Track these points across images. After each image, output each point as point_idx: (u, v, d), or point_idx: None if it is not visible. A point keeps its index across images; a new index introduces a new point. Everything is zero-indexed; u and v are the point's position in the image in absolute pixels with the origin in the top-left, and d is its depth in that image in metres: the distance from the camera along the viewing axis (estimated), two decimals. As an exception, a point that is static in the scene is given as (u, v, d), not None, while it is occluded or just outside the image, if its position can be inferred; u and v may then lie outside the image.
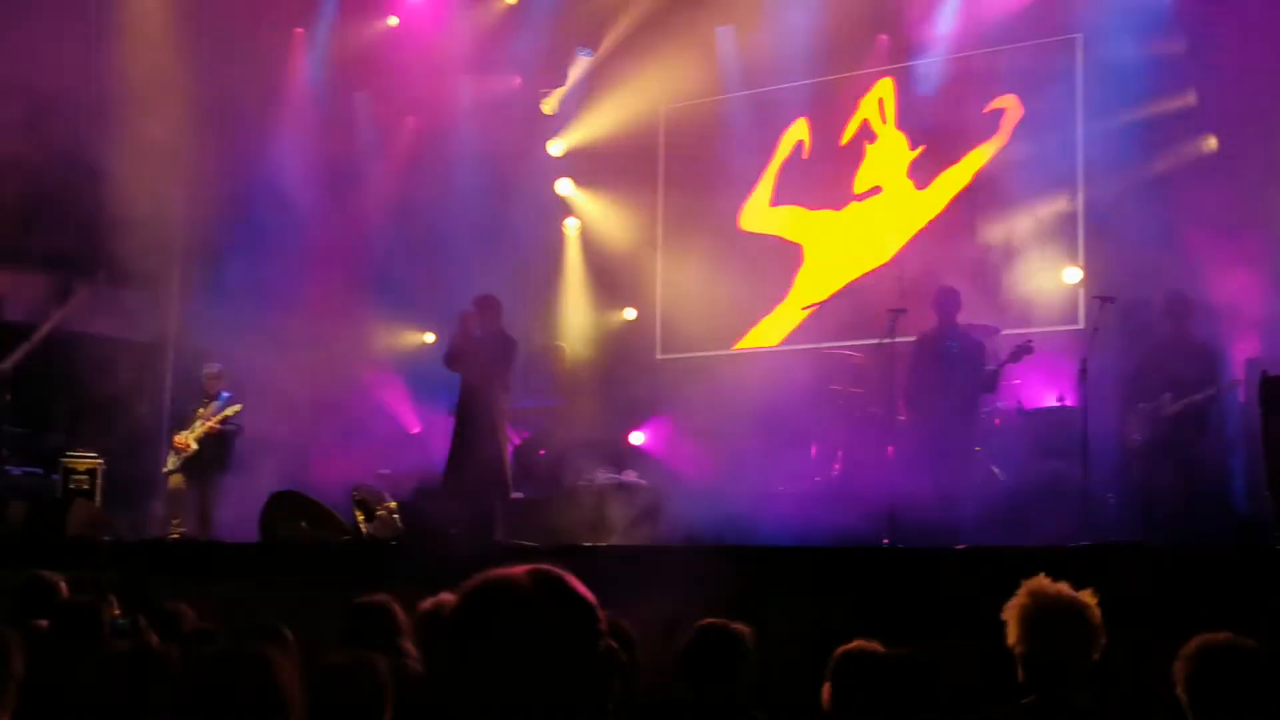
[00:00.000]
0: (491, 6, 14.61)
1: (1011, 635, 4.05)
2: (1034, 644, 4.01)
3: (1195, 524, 8.90)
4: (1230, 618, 3.85)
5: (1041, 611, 4.01)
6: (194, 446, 11.83)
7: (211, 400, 12.05)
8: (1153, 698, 3.80)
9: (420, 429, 14.19)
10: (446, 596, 4.39)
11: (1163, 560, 6.16)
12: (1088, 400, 8.98)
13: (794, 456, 10.68)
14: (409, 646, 4.94)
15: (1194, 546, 7.18)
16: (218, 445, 11.92)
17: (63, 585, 5.98)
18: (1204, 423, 9.23)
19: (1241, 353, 10.27)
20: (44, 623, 5.03)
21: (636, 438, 12.88)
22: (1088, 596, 4.06)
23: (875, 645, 4.30)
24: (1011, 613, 4.07)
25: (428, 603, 4.73)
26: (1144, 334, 10.01)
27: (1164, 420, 9.09)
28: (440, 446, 11.40)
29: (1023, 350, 9.55)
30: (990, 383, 9.68)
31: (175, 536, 11.13)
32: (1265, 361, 9.05)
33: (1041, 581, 4.10)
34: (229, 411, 11.91)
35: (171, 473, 11.93)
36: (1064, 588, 4.07)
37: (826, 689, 4.25)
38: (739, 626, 4.55)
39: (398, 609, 5.06)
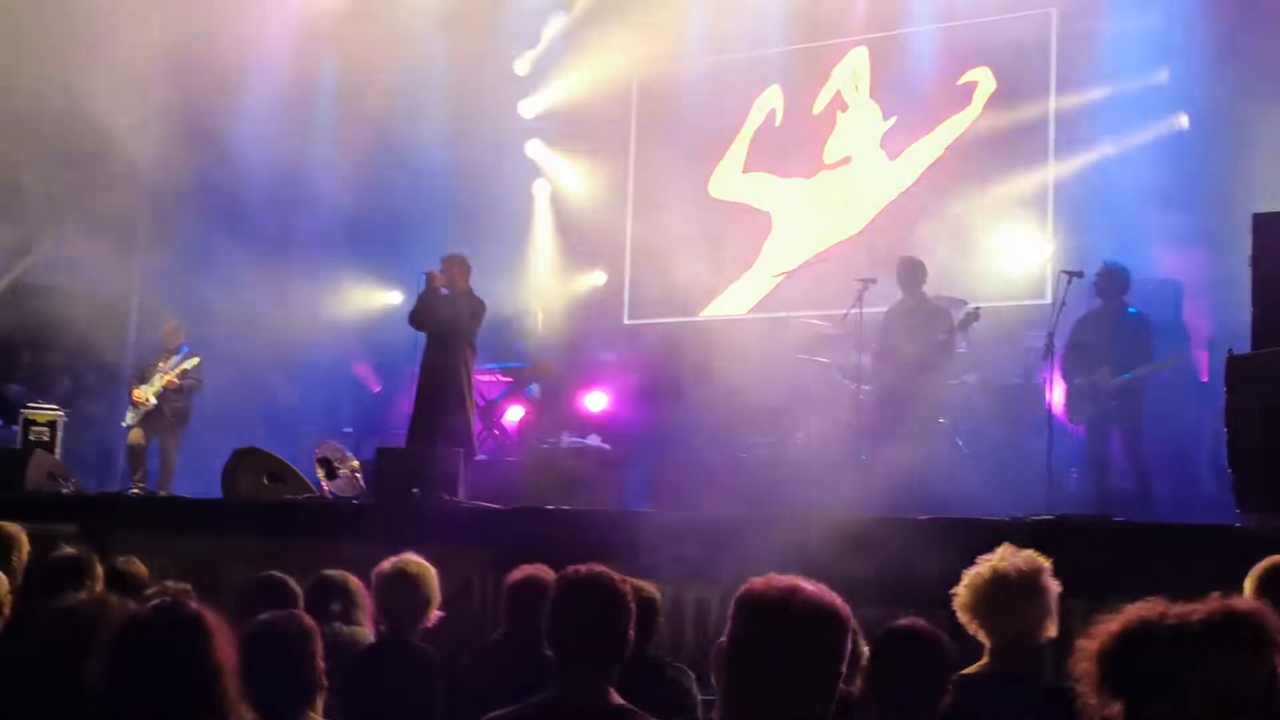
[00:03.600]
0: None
1: (962, 614, 4.06)
2: (990, 622, 4.01)
3: (1153, 498, 8.97)
4: (1191, 594, 3.85)
5: (994, 589, 4.01)
6: (153, 401, 11.75)
7: (170, 354, 11.96)
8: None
9: (381, 388, 14.13)
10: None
11: (1123, 535, 6.19)
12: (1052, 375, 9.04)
13: (759, 424, 10.68)
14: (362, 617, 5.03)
15: (1155, 521, 7.23)
16: (177, 400, 11.85)
17: (24, 537, 5.92)
18: (1141, 395, 9.25)
19: (1203, 330, 10.32)
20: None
21: (601, 401, 12.86)
22: (1043, 562, 4.06)
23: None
24: (964, 590, 4.07)
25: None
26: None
27: (1104, 394, 9.11)
28: (402, 406, 11.36)
29: (970, 318, 9.64)
30: (944, 350, 9.68)
31: (136, 491, 11.06)
32: (1227, 340, 9.09)
33: (1003, 555, 4.09)
34: (187, 365, 11.83)
35: (131, 427, 11.86)
36: (1020, 559, 4.07)
37: None
38: (650, 589, 4.74)
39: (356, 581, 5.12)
